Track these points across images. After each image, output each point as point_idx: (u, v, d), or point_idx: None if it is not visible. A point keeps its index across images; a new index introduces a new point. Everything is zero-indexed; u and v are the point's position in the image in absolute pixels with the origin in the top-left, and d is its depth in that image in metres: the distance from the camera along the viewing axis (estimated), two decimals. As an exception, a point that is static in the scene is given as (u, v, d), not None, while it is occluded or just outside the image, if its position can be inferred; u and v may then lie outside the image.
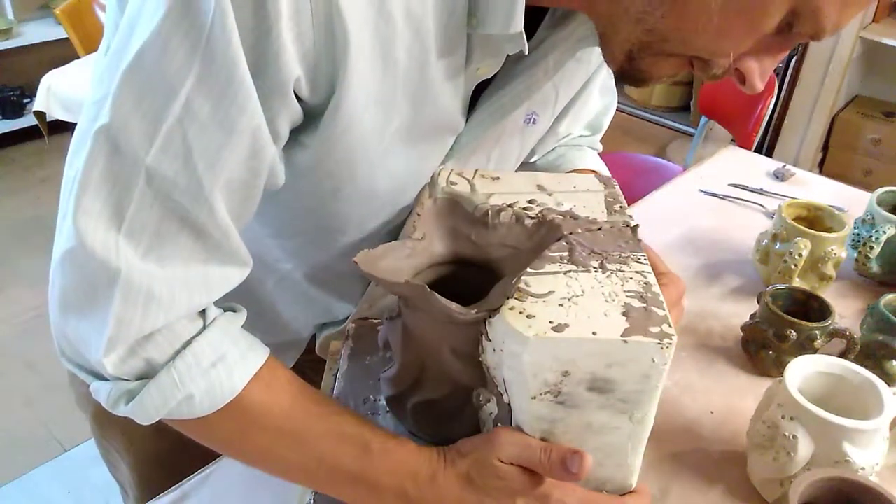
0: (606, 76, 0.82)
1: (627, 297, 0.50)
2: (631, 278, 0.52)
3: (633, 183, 1.86)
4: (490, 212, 0.59)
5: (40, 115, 2.18)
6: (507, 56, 0.56)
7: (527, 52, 0.54)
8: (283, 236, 0.66)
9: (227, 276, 0.52)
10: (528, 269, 0.53)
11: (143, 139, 0.45)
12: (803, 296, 0.82)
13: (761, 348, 0.81)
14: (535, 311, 0.48)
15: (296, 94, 0.49)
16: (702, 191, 1.22)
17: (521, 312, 0.48)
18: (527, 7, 0.51)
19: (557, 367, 0.48)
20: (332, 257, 0.66)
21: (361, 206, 0.61)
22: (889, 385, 0.66)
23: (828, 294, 0.88)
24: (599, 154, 0.89)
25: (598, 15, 0.54)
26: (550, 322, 0.47)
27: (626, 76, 0.56)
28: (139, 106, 0.45)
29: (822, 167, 3.09)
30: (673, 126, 3.41)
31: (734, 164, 1.33)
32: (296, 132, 0.53)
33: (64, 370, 0.55)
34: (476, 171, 0.64)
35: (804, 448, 0.61)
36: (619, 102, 0.91)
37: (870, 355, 0.80)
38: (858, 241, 0.97)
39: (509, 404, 0.52)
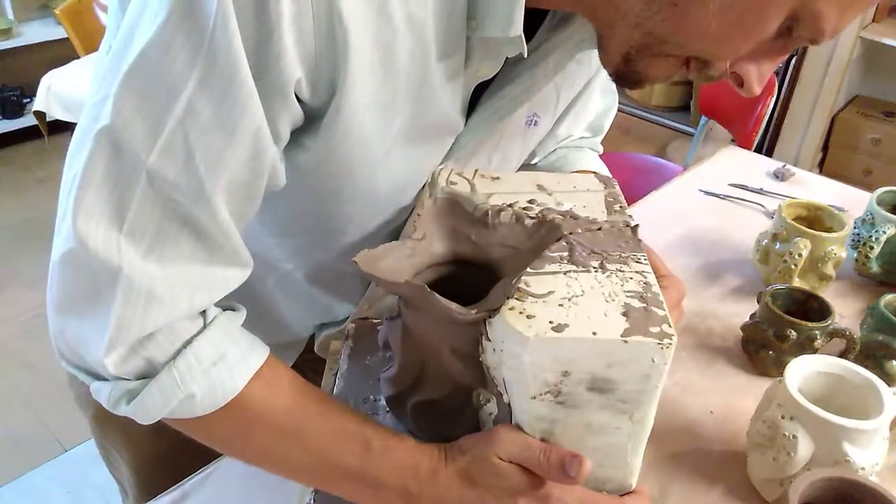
0: (607, 77, 0.82)
1: (627, 297, 0.50)
2: (631, 278, 0.52)
3: (633, 183, 1.86)
4: (490, 212, 0.59)
5: (40, 115, 2.18)
6: (507, 57, 0.56)
7: (526, 55, 0.54)
8: (284, 236, 0.66)
9: (227, 277, 0.52)
10: (528, 269, 0.53)
11: (145, 141, 0.45)
12: (803, 296, 0.82)
13: (761, 348, 0.81)
14: (535, 311, 0.48)
15: (297, 96, 0.49)
16: (702, 191, 1.22)
17: (521, 312, 0.48)
18: (526, 9, 0.51)
19: (557, 367, 0.48)
20: (332, 257, 0.66)
21: (362, 207, 0.61)
22: (889, 385, 0.66)
23: (828, 294, 0.88)
24: (599, 154, 0.89)
25: (596, 18, 0.54)
26: (550, 322, 0.47)
27: (622, 78, 0.56)
28: (141, 107, 0.45)
29: (822, 167, 3.09)
30: (673, 126, 3.40)
31: (734, 163, 1.33)
32: (297, 134, 0.53)
33: (64, 370, 0.55)
34: (476, 171, 0.64)
35: (804, 448, 0.61)
36: (619, 102, 0.91)
37: (870, 355, 0.80)
38: (858, 241, 0.97)
39: (509, 404, 0.52)
